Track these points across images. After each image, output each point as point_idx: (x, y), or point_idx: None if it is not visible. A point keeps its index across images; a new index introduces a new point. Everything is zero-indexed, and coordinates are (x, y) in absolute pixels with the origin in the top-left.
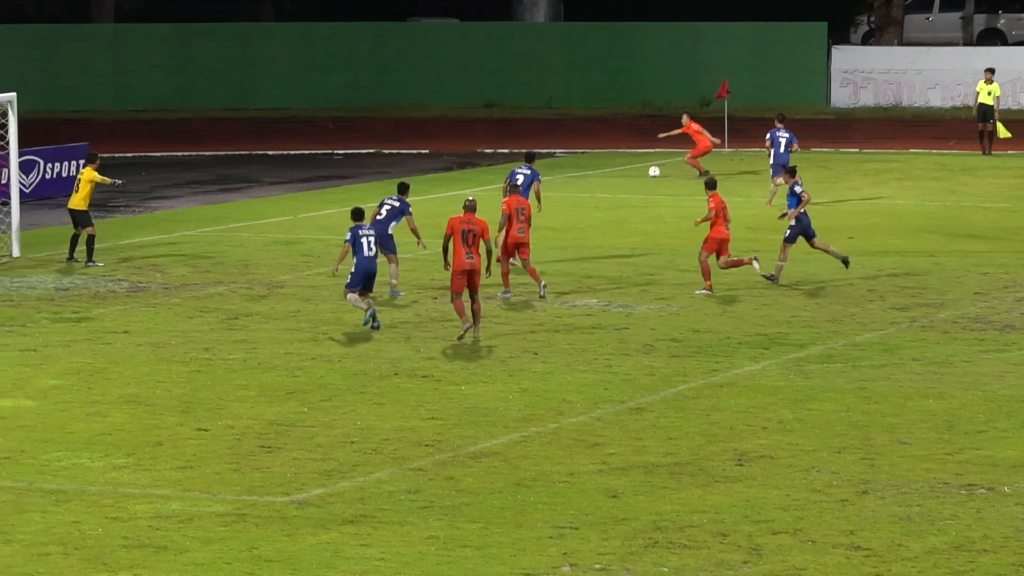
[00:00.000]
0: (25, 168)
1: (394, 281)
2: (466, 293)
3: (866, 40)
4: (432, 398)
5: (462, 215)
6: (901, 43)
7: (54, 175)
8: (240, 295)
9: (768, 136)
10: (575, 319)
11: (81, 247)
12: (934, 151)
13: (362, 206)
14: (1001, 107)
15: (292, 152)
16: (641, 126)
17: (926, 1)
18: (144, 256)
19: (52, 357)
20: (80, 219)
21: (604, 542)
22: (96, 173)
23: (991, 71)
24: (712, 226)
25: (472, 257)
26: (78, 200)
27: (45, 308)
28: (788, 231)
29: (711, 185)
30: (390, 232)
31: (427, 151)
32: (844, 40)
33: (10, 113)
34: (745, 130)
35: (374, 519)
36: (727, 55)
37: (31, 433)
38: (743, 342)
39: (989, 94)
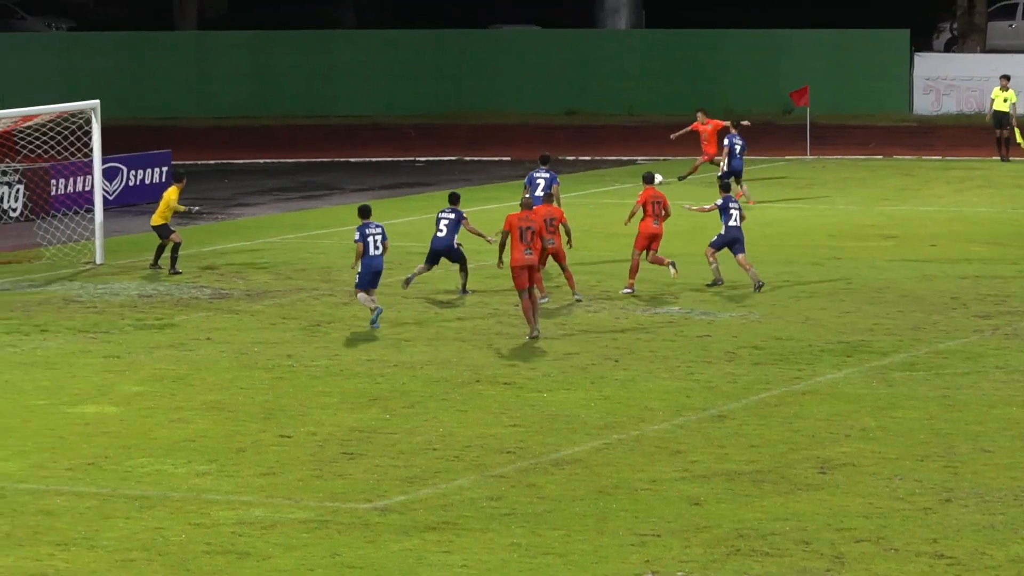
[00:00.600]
0: (108, 175)
1: (462, 282)
2: None
3: (949, 47)
4: (514, 405)
5: (520, 212)
6: (984, 50)
7: (137, 182)
8: (322, 302)
9: (726, 142)
10: (657, 326)
11: (166, 255)
12: (1016, 159)
13: (369, 204)
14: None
15: (374, 159)
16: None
17: (1009, 8)
18: (227, 263)
19: (136, 364)
20: (161, 232)
21: (686, 549)
22: (176, 194)
23: (1006, 78)
24: (641, 221)
25: (531, 253)
26: (155, 216)
27: (129, 315)
28: (716, 237)
29: (647, 179)
30: (456, 244)
31: (508, 158)
32: (927, 47)
33: (94, 120)
34: (827, 137)
35: (456, 526)
36: (809, 62)
37: (115, 439)
38: (825, 350)
39: (1005, 101)
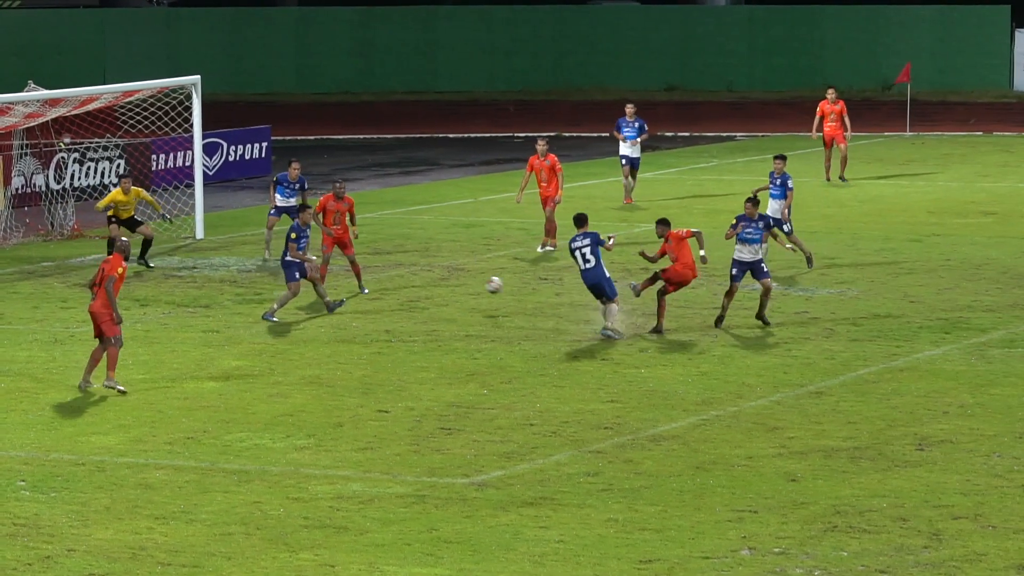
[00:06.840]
0: (209, 150)
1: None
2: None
3: None
4: (612, 381)
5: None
6: None
7: (237, 157)
8: (420, 277)
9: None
10: (754, 302)
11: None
12: None
13: (584, 212)
14: None
15: (473, 135)
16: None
17: None
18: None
19: (235, 338)
20: (128, 225)
21: (783, 526)
22: (120, 194)
23: None
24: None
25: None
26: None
27: (228, 290)
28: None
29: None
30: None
31: (607, 134)
32: None
33: (194, 96)
34: (927, 114)
35: (553, 501)
36: (910, 38)
37: (214, 414)
38: (924, 326)
39: None
